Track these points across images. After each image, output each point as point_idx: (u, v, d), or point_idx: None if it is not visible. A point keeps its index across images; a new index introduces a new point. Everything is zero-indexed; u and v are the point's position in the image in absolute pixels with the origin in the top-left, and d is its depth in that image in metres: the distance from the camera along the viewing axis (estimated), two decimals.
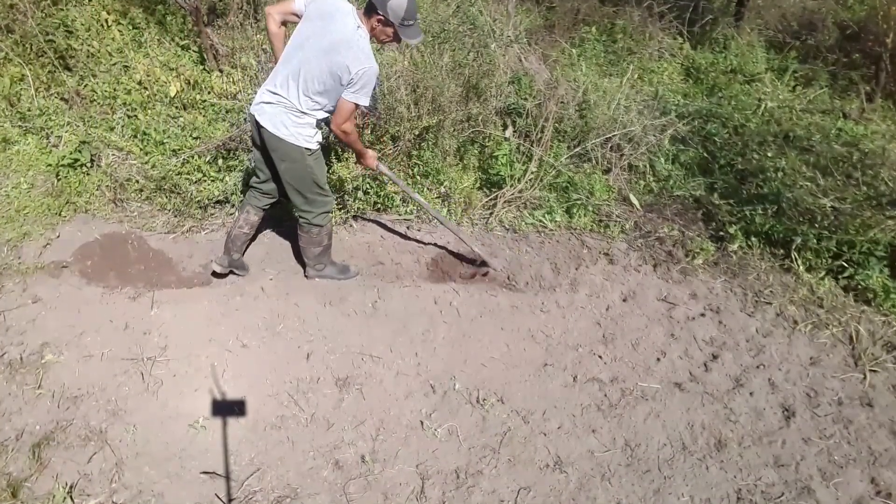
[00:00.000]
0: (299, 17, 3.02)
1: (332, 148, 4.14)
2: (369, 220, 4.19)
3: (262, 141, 3.16)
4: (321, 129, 3.20)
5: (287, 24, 3.12)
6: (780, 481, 2.76)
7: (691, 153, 4.80)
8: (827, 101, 5.51)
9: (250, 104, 3.20)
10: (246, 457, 2.72)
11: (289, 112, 3.02)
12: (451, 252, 4.04)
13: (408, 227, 4.16)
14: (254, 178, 3.45)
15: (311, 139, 3.10)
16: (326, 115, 3.11)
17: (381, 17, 2.92)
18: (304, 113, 3.03)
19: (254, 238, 3.67)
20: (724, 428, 2.98)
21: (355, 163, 3.45)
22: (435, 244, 4.08)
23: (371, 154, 3.41)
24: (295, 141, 3.06)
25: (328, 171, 4.11)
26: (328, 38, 2.90)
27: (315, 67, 2.92)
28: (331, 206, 3.43)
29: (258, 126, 3.11)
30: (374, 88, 3.16)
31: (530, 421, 2.97)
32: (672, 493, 2.70)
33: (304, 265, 3.66)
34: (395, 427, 2.89)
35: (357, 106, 3.00)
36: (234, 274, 3.61)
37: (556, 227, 4.26)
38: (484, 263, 3.85)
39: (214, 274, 3.56)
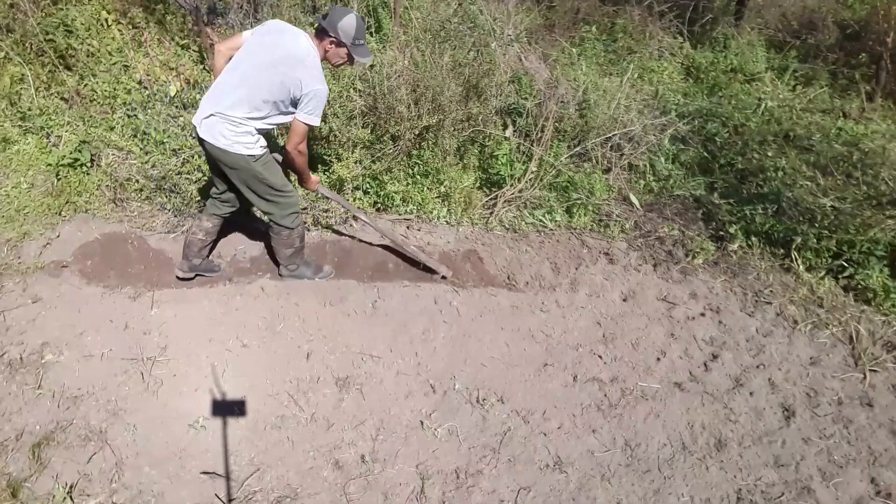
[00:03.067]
0: None
1: (332, 148, 4.15)
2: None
3: (208, 153, 3.15)
4: (264, 135, 3.17)
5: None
6: (780, 481, 2.76)
7: (691, 153, 4.80)
8: (827, 101, 5.50)
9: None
10: (246, 457, 2.72)
11: (226, 122, 2.99)
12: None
13: (408, 227, 4.16)
14: (213, 189, 3.43)
15: (252, 146, 3.07)
16: (267, 127, 3.09)
17: (334, 39, 2.96)
18: (242, 122, 3.00)
19: (215, 243, 3.67)
20: (724, 428, 2.98)
21: (298, 183, 3.48)
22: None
23: (314, 179, 3.44)
24: (236, 150, 3.04)
25: (328, 171, 4.12)
26: (280, 51, 2.92)
27: (265, 78, 2.92)
28: (296, 207, 3.37)
29: (201, 139, 3.09)
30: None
31: (530, 421, 2.97)
32: (672, 493, 2.70)
33: (277, 264, 3.65)
34: (395, 427, 2.90)
35: (310, 127, 3.02)
36: (203, 276, 3.62)
37: (556, 227, 4.26)
38: (432, 271, 3.81)
39: (179, 278, 3.58)
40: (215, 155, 3.08)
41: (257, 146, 3.08)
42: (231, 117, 2.97)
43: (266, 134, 3.17)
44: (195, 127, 3.07)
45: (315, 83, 2.90)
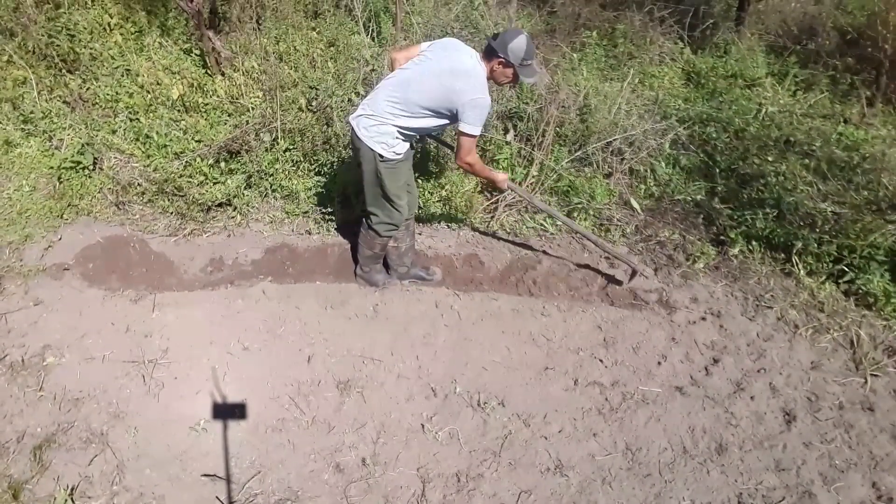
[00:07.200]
0: None
1: (336, 151, 4.14)
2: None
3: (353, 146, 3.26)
4: (406, 142, 3.20)
5: None
6: (780, 485, 2.76)
7: (692, 157, 4.80)
8: (827, 106, 5.50)
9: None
10: (247, 459, 2.72)
11: (372, 119, 3.10)
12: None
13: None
14: None
15: (387, 148, 3.13)
16: (416, 127, 3.13)
17: (502, 60, 3.01)
18: (388, 121, 3.07)
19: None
20: (724, 432, 2.98)
21: (486, 189, 3.53)
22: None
23: (502, 177, 3.46)
24: (370, 144, 3.12)
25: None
26: (448, 63, 3.01)
27: (427, 84, 3.00)
28: (396, 222, 3.41)
29: (353, 135, 3.20)
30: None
31: (531, 424, 2.97)
32: (673, 497, 2.70)
33: (356, 262, 3.73)
34: (396, 430, 2.90)
35: (474, 137, 3.06)
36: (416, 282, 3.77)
37: (556, 231, 4.27)
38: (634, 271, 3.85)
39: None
40: (355, 144, 3.20)
41: (391, 151, 3.15)
42: (378, 116, 3.07)
43: (411, 143, 3.24)
44: (349, 124, 3.19)
45: (475, 92, 2.95)
